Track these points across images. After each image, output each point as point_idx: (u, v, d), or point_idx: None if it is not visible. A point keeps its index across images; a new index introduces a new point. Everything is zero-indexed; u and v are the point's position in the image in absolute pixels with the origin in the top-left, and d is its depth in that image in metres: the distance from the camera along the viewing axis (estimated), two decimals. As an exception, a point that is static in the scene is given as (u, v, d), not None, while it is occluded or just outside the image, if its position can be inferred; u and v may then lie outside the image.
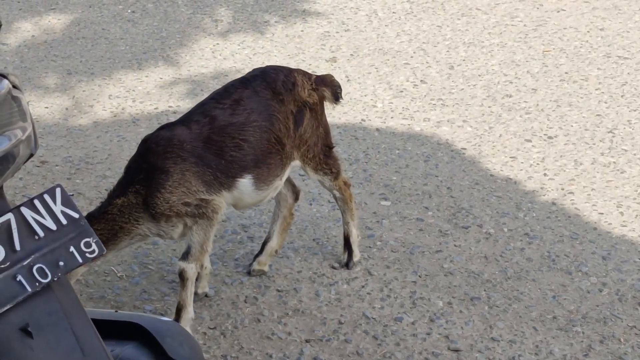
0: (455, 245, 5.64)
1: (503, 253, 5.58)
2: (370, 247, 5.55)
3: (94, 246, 2.39)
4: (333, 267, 5.28)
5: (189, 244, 4.53)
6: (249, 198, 4.74)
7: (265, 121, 4.70)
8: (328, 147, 5.07)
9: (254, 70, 4.99)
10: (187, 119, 4.63)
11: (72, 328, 2.34)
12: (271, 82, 4.79)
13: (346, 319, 4.82)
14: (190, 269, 4.50)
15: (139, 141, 4.61)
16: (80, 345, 2.33)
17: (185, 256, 4.51)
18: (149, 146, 4.51)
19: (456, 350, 4.62)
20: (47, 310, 2.32)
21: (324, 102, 5.03)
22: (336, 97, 5.09)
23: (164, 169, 4.44)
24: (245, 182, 4.65)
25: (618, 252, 5.66)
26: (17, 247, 2.30)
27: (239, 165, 4.63)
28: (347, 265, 5.25)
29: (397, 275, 5.26)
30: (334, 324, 4.76)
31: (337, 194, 5.20)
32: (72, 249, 2.37)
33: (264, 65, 5.08)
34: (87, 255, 2.39)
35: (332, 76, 5.18)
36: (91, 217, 4.36)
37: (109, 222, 4.40)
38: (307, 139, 4.91)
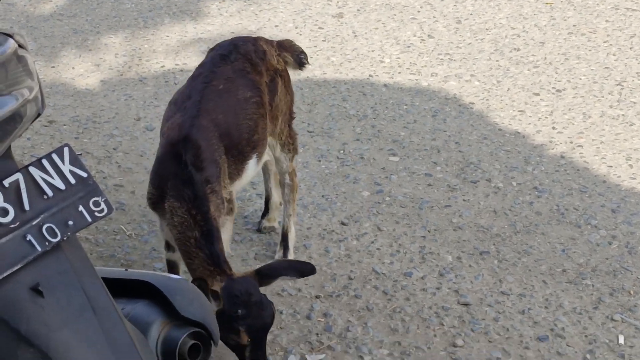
0: (464, 200, 5.63)
1: (512, 207, 5.58)
2: (379, 202, 5.55)
3: (102, 205, 2.39)
4: (342, 224, 5.29)
5: None
6: (245, 180, 4.50)
7: (257, 96, 4.47)
8: (291, 116, 4.82)
9: (223, 44, 4.68)
10: (194, 108, 4.19)
11: (82, 287, 2.35)
12: (246, 54, 4.54)
13: (356, 274, 4.83)
14: None
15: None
16: (91, 304, 2.34)
17: None
18: (193, 145, 4.03)
19: (466, 305, 4.63)
20: (58, 270, 2.33)
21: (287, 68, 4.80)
22: (300, 62, 4.86)
23: (214, 161, 4.10)
24: (251, 163, 4.43)
25: (627, 204, 5.65)
26: (27, 206, 2.30)
27: (250, 147, 4.38)
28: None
29: (406, 231, 5.26)
30: (343, 280, 4.78)
31: (288, 180, 4.87)
32: (81, 208, 2.36)
33: (228, 39, 4.79)
34: (97, 214, 2.39)
35: (292, 41, 4.95)
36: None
37: None
38: (281, 107, 4.70)
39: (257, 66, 4.54)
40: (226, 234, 4.17)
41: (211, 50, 4.70)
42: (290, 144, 4.77)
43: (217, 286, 3.75)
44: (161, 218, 4.15)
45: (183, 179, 3.96)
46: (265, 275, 3.83)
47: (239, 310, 3.69)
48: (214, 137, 4.14)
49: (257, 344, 3.75)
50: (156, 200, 4.08)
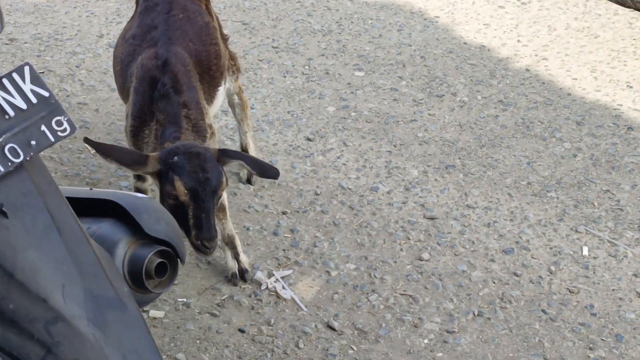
0: (429, 114, 5.64)
1: (477, 121, 5.59)
2: (345, 117, 5.54)
3: (65, 124, 2.36)
4: (308, 139, 5.28)
5: None
6: (216, 108, 4.33)
7: (211, 21, 4.38)
8: (224, 38, 4.64)
9: None
10: (164, 37, 4.04)
11: (47, 207, 2.33)
12: None
13: (322, 190, 4.84)
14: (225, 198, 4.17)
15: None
16: (56, 224, 2.32)
17: None
18: (171, 69, 3.87)
19: (432, 218, 4.66)
20: (22, 191, 2.30)
21: None
22: None
23: (192, 86, 3.95)
24: (221, 89, 4.30)
25: (592, 117, 5.68)
26: (-13, 127, 2.27)
27: (219, 72, 4.26)
28: (249, 180, 4.82)
29: (372, 146, 5.26)
30: (310, 196, 4.78)
31: (237, 99, 4.75)
32: (43, 127, 2.33)
33: None
34: (59, 133, 2.36)
35: None
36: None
37: None
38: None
39: None
40: None
41: None
42: (233, 65, 4.63)
43: None
44: (143, 150, 3.86)
45: (160, 97, 3.80)
46: (227, 153, 3.56)
47: (175, 157, 3.43)
48: (190, 64, 3.99)
49: (197, 205, 3.42)
50: (136, 132, 3.87)
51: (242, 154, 3.63)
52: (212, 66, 4.19)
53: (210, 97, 4.18)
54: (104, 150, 3.47)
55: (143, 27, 4.15)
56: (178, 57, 3.95)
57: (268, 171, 3.55)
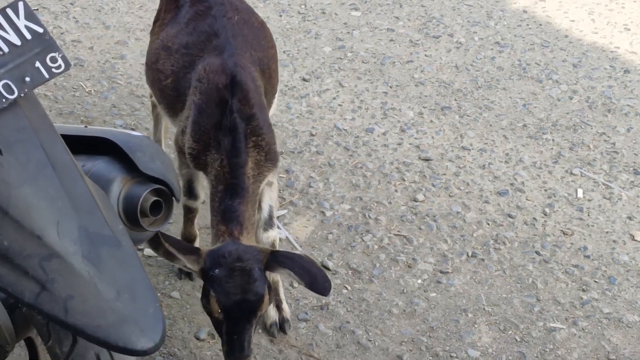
0: (426, 55, 5.61)
1: (474, 62, 5.56)
2: (341, 58, 5.51)
3: (60, 61, 2.34)
4: (304, 80, 5.26)
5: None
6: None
7: (260, 17, 4.02)
8: None
9: None
10: (229, 47, 3.59)
11: (41, 144, 2.32)
12: None
13: (318, 130, 4.82)
14: None
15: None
16: (50, 161, 2.31)
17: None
18: (242, 89, 3.43)
19: (427, 160, 4.66)
20: (16, 127, 2.29)
21: None
22: None
23: (262, 106, 3.51)
24: (277, 95, 3.97)
25: (589, 59, 5.66)
26: (-19, 63, 2.25)
27: (277, 78, 3.90)
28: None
29: (368, 87, 5.24)
30: (305, 136, 4.77)
31: None
32: (37, 64, 2.32)
33: None
34: (54, 70, 2.34)
35: None
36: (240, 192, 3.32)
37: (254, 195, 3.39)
38: None
39: None
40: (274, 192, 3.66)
41: None
42: None
43: None
44: (205, 173, 3.48)
45: (226, 127, 3.38)
46: (276, 260, 3.11)
47: (217, 270, 3.08)
48: (258, 78, 3.58)
49: (231, 324, 3.11)
50: (197, 155, 3.46)
51: (292, 262, 3.10)
52: (272, 72, 3.81)
53: (270, 104, 3.79)
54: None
55: (200, 35, 3.72)
56: (246, 71, 3.52)
57: (319, 285, 3.04)
